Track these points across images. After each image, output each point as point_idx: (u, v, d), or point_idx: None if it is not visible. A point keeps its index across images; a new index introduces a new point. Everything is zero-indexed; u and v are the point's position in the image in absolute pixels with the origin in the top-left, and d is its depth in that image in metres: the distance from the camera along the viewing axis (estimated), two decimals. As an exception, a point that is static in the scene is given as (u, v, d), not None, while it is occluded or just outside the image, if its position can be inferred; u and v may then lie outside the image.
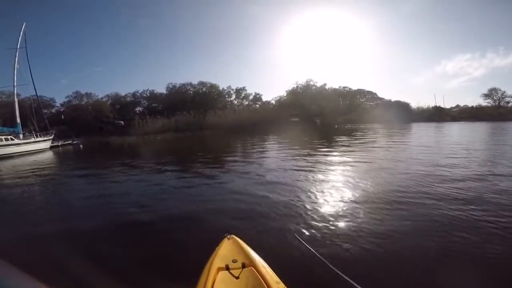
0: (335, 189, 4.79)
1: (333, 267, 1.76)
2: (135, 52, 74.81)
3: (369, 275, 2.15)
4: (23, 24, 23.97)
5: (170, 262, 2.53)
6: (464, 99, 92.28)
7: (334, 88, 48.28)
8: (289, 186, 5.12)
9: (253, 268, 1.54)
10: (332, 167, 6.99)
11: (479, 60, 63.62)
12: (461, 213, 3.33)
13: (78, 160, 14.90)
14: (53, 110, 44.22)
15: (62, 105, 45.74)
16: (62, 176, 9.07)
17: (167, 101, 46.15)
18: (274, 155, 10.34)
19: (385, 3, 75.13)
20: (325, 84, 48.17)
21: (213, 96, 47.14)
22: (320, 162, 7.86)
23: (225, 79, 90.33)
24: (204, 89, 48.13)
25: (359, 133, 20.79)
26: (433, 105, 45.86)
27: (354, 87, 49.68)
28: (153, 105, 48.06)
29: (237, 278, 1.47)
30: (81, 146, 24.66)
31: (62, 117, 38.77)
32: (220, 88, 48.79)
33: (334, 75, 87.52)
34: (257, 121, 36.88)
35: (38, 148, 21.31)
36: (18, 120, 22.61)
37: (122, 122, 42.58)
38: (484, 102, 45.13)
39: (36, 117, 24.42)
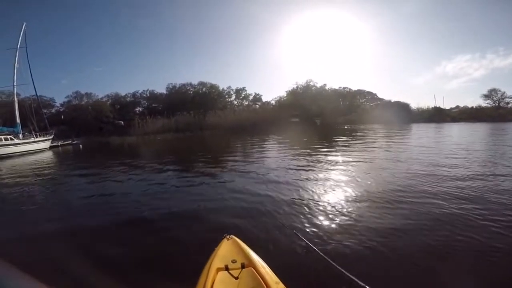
0: (335, 188, 4.80)
1: (333, 263, 1.77)
2: (135, 52, 75.23)
3: (370, 273, 2.15)
4: (23, 24, 24.04)
5: (169, 262, 2.53)
6: (464, 99, 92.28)
7: (334, 89, 48.46)
8: (288, 185, 5.12)
9: (252, 269, 1.54)
10: (332, 167, 6.99)
11: (479, 60, 63.75)
12: (462, 212, 3.34)
13: (77, 160, 14.89)
14: (53, 110, 44.29)
15: (62, 105, 45.91)
16: (62, 176, 9.07)
17: (167, 101, 46.20)
18: (274, 155, 10.34)
19: (385, 3, 75.44)
20: (325, 85, 48.36)
21: (213, 96, 47.18)
22: (320, 162, 7.86)
23: (225, 79, 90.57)
24: (204, 89, 48.19)
25: (359, 134, 20.80)
26: (433, 106, 45.98)
27: (354, 87, 49.94)
28: (153, 105, 48.11)
29: (236, 278, 1.47)
30: (80, 146, 24.64)
31: (62, 117, 38.77)
32: (220, 88, 48.96)
33: (334, 75, 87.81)
34: (257, 122, 36.91)
35: (38, 148, 21.29)
36: (18, 120, 22.60)
37: (122, 122, 42.60)
38: (484, 103, 45.30)
39: (35, 117, 24.42)
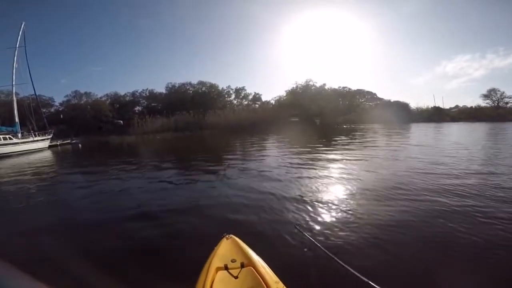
0: (335, 186, 4.83)
1: (335, 257, 1.76)
2: (135, 52, 74.89)
3: (374, 269, 2.14)
4: (22, 24, 23.95)
5: (169, 261, 2.53)
6: (464, 99, 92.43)
7: (334, 88, 48.42)
8: (288, 183, 5.14)
9: (252, 268, 1.54)
10: (331, 165, 6.99)
11: (479, 61, 63.62)
12: (461, 209, 3.39)
13: (76, 159, 14.86)
14: (52, 110, 44.10)
15: (61, 104, 45.70)
16: (61, 175, 9.05)
17: (167, 101, 46.09)
18: (274, 154, 10.34)
19: (385, 3, 75.34)
20: (324, 84, 48.32)
21: (212, 95, 47.11)
22: (320, 160, 7.86)
23: (225, 79, 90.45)
24: (203, 88, 48.11)
25: (358, 133, 20.82)
26: (432, 106, 46.03)
27: (354, 87, 49.87)
28: (153, 104, 47.98)
29: (236, 277, 1.47)
30: (80, 145, 24.58)
31: (61, 116, 38.62)
32: (220, 88, 48.86)
33: (334, 75, 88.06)
34: (257, 121, 36.92)
35: (37, 148, 21.24)
36: (17, 119, 22.54)
37: (121, 122, 42.51)
38: (483, 103, 45.34)
39: (34, 116, 24.35)
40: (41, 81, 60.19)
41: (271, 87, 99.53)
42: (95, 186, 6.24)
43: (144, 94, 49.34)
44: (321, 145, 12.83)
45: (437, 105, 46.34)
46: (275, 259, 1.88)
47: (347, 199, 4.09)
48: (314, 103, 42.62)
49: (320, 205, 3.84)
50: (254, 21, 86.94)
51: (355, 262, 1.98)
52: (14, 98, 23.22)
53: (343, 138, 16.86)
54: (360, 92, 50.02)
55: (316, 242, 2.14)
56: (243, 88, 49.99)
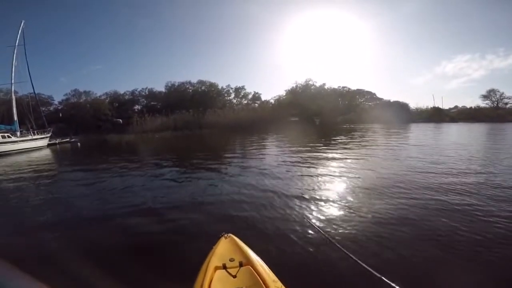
0: (335, 185, 4.87)
1: (345, 250, 1.77)
2: (134, 51, 74.65)
3: (372, 268, 2.19)
4: (22, 22, 23.83)
5: (167, 261, 2.53)
6: (464, 100, 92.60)
7: (333, 88, 48.35)
8: (288, 181, 5.17)
9: (250, 267, 1.55)
10: (331, 164, 6.98)
11: (479, 61, 63.69)
12: (464, 207, 3.46)
13: (75, 158, 14.83)
14: (51, 108, 43.95)
15: (60, 103, 45.53)
16: (60, 173, 9.03)
17: (166, 100, 45.96)
18: (274, 153, 10.35)
19: (385, 3, 75.34)
20: (324, 84, 48.26)
21: (212, 95, 47.00)
22: (319, 159, 7.87)
23: (224, 78, 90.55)
24: (203, 87, 48.00)
25: (358, 133, 20.83)
26: (431, 106, 46.06)
27: (354, 87, 49.78)
28: (152, 103, 47.84)
29: (234, 277, 1.47)
30: (78, 144, 24.49)
31: (60, 115, 38.42)
32: (219, 87, 48.73)
33: (334, 75, 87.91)
34: (256, 120, 36.84)
35: (36, 146, 21.16)
36: (16, 118, 22.44)
37: (121, 120, 42.40)
38: (482, 103, 45.38)
39: (33, 115, 24.24)
40: (40, 79, 60.13)
41: (270, 86, 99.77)
42: (94, 185, 6.23)
43: (143, 93, 49.20)
44: (321, 145, 12.83)
45: (436, 105, 46.41)
46: (274, 258, 1.89)
47: (347, 197, 4.12)
48: (314, 102, 42.57)
49: (321, 203, 3.86)
50: (254, 21, 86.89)
51: (361, 258, 1.99)
52: (13, 97, 23.10)
53: (343, 137, 16.87)
54: (359, 92, 49.98)
55: (321, 231, 2.13)
56: (242, 88, 49.97)
